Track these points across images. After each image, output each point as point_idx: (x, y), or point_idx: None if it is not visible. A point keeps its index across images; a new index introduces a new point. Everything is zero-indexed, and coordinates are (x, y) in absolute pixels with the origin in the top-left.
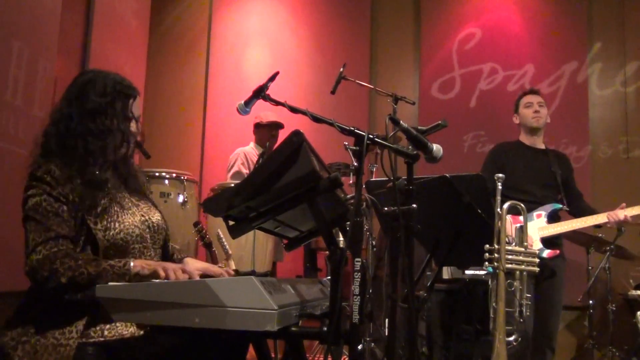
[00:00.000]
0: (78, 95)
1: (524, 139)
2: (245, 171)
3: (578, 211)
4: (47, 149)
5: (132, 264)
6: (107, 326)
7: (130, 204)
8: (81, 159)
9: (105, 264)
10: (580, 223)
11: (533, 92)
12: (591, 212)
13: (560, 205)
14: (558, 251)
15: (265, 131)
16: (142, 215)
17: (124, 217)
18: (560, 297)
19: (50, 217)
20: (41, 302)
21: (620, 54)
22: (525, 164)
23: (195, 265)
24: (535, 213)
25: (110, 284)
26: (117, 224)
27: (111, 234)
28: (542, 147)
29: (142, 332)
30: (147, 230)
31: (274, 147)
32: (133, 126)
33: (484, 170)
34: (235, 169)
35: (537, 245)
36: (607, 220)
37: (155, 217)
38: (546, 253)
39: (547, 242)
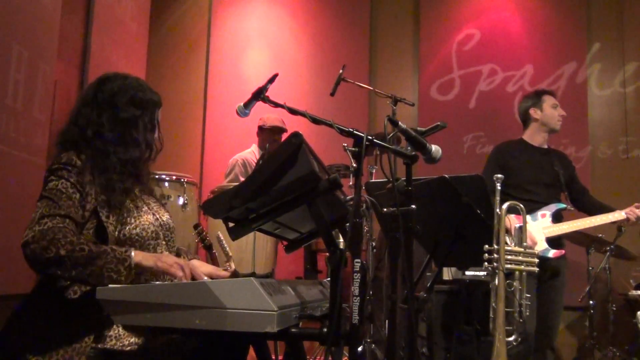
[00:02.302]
0: (110, 103)
1: (532, 137)
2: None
3: (587, 208)
4: (69, 147)
5: (132, 252)
6: (110, 333)
7: (142, 203)
8: (109, 165)
9: (106, 246)
10: (589, 222)
11: (554, 94)
12: (601, 208)
13: (565, 205)
14: (564, 251)
15: (267, 135)
16: (154, 214)
17: (139, 214)
18: (561, 297)
19: (62, 198)
20: (41, 318)
21: (620, 54)
22: (530, 163)
23: (201, 269)
24: (539, 213)
25: (111, 286)
26: (133, 220)
27: (127, 228)
28: (546, 146)
29: (142, 341)
30: (161, 228)
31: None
32: (156, 133)
33: (487, 170)
34: (232, 176)
35: (542, 245)
36: (625, 217)
37: (165, 216)
38: (552, 253)
39: (552, 242)
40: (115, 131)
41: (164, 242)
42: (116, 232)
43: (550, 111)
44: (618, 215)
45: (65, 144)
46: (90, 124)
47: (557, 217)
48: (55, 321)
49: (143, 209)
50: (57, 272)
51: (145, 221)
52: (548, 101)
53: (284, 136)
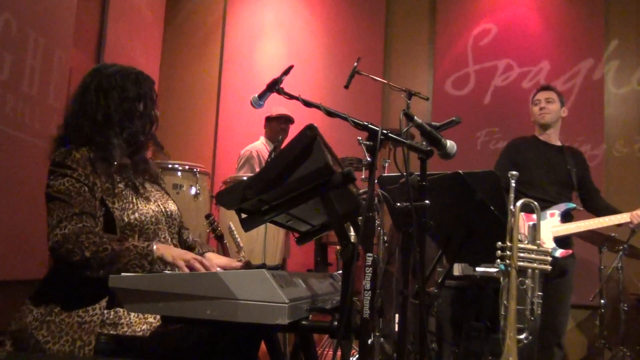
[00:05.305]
0: (117, 85)
1: (538, 134)
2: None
3: (596, 209)
4: (72, 138)
5: (155, 246)
6: (124, 315)
7: (143, 190)
8: (107, 146)
9: (128, 243)
10: (596, 223)
11: (544, 88)
12: (610, 210)
13: (574, 205)
14: (571, 251)
15: (274, 124)
16: (156, 201)
17: (138, 199)
18: (569, 295)
19: (73, 196)
20: (63, 282)
21: (637, 52)
22: (541, 160)
23: (215, 261)
24: (548, 212)
25: (123, 274)
26: (131, 205)
27: (126, 213)
28: (558, 143)
29: (156, 326)
30: (162, 214)
31: (284, 142)
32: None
33: (498, 166)
34: (247, 167)
35: (550, 244)
36: (629, 220)
37: (171, 206)
38: (559, 253)
39: (560, 241)
40: (121, 109)
41: (165, 228)
42: (121, 218)
43: (532, 108)
44: (621, 217)
45: (70, 137)
46: (99, 109)
47: (567, 217)
48: (65, 304)
49: (143, 196)
50: (87, 272)
51: (143, 207)
52: (533, 99)
53: (294, 126)
